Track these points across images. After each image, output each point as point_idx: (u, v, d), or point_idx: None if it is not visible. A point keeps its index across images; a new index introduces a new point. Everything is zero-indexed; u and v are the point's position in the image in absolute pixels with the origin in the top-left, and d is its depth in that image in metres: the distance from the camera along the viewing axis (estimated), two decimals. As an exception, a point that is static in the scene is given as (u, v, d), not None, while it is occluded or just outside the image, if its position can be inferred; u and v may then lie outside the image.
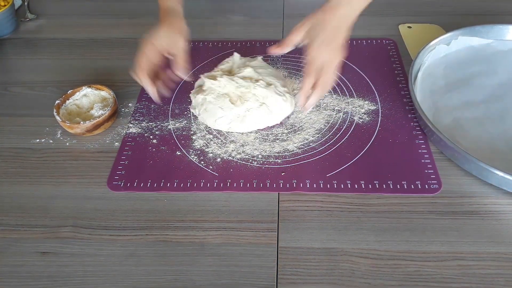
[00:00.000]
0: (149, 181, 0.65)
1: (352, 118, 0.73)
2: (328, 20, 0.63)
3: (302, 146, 0.68)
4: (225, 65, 0.76)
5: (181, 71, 0.71)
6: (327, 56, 0.63)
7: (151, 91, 0.70)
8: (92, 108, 0.73)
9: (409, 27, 0.92)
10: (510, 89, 0.75)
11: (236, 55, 0.76)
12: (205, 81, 0.72)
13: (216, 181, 0.64)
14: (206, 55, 0.87)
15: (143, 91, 0.80)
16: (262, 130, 0.71)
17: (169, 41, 0.70)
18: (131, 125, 0.74)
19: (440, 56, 0.82)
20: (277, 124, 0.72)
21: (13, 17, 0.96)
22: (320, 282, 0.53)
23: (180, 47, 0.70)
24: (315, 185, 0.63)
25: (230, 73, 0.73)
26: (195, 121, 0.74)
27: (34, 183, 0.66)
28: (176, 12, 0.73)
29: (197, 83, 0.76)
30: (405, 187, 0.62)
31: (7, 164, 0.69)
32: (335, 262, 0.55)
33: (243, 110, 0.69)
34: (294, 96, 0.74)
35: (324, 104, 0.75)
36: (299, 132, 0.71)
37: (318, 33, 0.63)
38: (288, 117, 0.73)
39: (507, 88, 0.76)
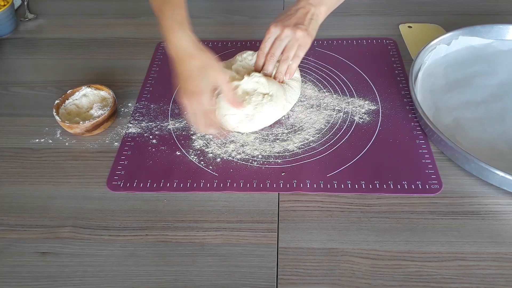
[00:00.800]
0: (149, 181, 0.64)
1: (352, 118, 0.73)
2: (294, 8, 0.68)
3: (302, 146, 0.68)
4: (243, 61, 0.75)
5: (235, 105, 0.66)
6: (286, 34, 0.66)
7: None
8: (91, 108, 0.73)
9: (410, 26, 0.92)
10: (511, 89, 0.75)
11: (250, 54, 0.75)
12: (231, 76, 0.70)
13: (216, 181, 0.64)
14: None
15: (142, 91, 0.80)
16: (262, 130, 0.71)
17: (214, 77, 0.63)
18: (130, 125, 0.74)
19: (441, 56, 0.82)
20: (277, 124, 0.72)
21: (12, 17, 0.96)
22: (320, 283, 0.53)
23: (225, 79, 0.64)
24: (315, 185, 0.63)
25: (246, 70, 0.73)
26: (195, 121, 0.73)
27: (34, 183, 0.66)
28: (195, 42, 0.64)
29: None
30: (406, 187, 0.62)
31: (7, 164, 0.69)
32: (335, 262, 0.55)
33: (252, 109, 0.67)
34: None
35: (325, 104, 0.75)
36: (299, 132, 0.71)
37: (284, 19, 0.68)
38: (288, 117, 0.73)
39: (507, 88, 0.75)
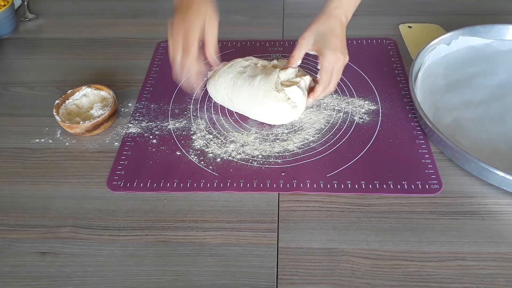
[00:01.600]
0: (149, 181, 0.64)
1: (352, 118, 0.73)
2: (333, 27, 0.67)
3: (302, 146, 0.68)
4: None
5: (212, 60, 0.69)
6: (340, 60, 0.66)
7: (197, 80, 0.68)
8: (91, 108, 0.73)
9: (410, 27, 0.92)
10: (511, 89, 0.75)
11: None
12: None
13: (216, 181, 0.64)
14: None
15: (143, 91, 0.80)
16: (262, 130, 0.71)
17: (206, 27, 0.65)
18: (130, 125, 0.74)
19: (441, 56, 0.82)
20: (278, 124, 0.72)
21: (13, 16, 0.96)
22: (320, 283, 0.53)
23: (215, 34, 0.66)
24: (315, 185, 0.63)
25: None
26: (195, 121, 0.73)
27: (34, 183, 0.66)
28: None
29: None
30: (406, 187, 0.62)
31: (7, 164, 0.69)
32: (335, 262, 0.55)
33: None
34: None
35: (325, 104, 0.75)
36: (299, 132, 0.71)
37: (329, 40, 0.66)
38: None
39: (507, 88, 0.75)
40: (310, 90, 0.71)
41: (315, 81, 0.71)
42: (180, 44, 0.64)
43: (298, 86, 0.68)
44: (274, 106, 0.68)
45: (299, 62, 0.71)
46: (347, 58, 0.67)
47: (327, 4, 0.69)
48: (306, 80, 0.71)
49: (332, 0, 0.69)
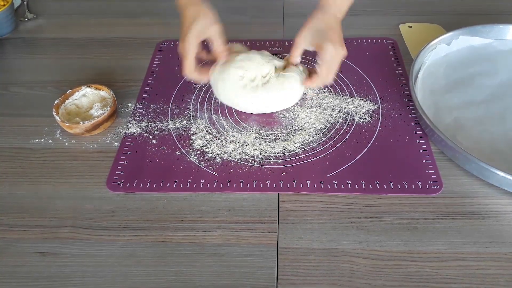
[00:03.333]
0: (149, 181, 0.64)
1: (352, 118, 0.72)
2: (330, 22, 0.68)
3: (302, 146, 0.68)
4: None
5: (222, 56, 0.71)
6: (340, 54, 0.67)
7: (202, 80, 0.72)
8: (91, 108, 0.73)
9: (410, 26, 0.92)
10: (511, 88, 0.75)
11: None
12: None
13: (216, 181, 0.64)
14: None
15: (142, 91, 0.80)
16: (262, 130, 0.71)
17: (204, 28, 0.68)
18: (130, 125, 0.73)
19: (441, 56, 0.82)
20: (277, 124, 0.72)
21: (12, 16, 0.96)
22: (320, 283, 0.53)
23: (216, 31, 0.69)
24: (315, 185, 0.63)
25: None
26: (195, 121, 0.73)
27: (34, 183, 0.66)
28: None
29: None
30: (406, 187, 0.62)
31: (6, 164, 0.69)
32: (335, 262, 0.55)
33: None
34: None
35: (325, 104, 0.75)
36: (299, 132, 0.70)
37: (328, 35, 0.67)
38: (288, 117, 0.73)
39: (507, 88, 0.75)
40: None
41: (311, 71, 0.72)
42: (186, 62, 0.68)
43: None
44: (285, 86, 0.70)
45: (298, 59, 0.72)
46: (345, 52, 0.67)
47: (322, 1, 0.70)
48: (300, 68, 0.73)
49: None
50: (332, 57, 0.66)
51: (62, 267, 0.56)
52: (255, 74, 0.71)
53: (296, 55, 0.71)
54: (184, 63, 0.68)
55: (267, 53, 0.75)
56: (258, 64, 0.71)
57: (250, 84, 0.70)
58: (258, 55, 0.72)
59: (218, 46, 0.70)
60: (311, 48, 0.70)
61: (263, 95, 0.70)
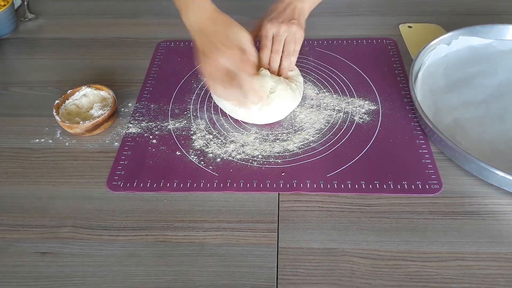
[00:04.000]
0: (149, 181, 0.64)
1: (352, 118, 0.73)
2: (280, 7, 0.72)
3: (302, 146, 0.68)
4: None
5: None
6: (279, 27, 0.69)
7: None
8: (91, 108, 0.73)
9: (410, 26, 0.92)
10: (511, 89, 0.75)
11: None
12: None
13: (216, 181, 0.64)
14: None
15: (142, 91, 0.80)
16: (262, 130, 0.71)
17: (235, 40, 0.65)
18: (130, 125, 0.74)
19: (441, 56, 0.82)
20: (277, 124, 0.72)
21: (12, 16, 0.96)
22: (320, 283, 0.53)
23: (247, 41, 0.66)
24: (315, 185, 0.63)
25: None
26: (195, 121, 0.73)
27: (34, 183, 0.66)
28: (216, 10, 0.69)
29: None
30: (406, 187, 0.62)
31: (6, 164, 0.69)
32: (335, 262, 0.55)
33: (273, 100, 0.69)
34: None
35: (325, 104, 0.75)
36: (299, 132, 0.71)
37: (272, 15, 0.71)
38: (288, 117, 0.73)
39: (507, 88, 0.75)
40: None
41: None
42: (219, 78, 0.64)
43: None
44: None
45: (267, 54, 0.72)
46: (294, 28, 0.69)
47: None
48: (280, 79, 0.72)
49: None
50: (266, 30, 0.69)
51: (63, 267, 0.56)
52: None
53: (265, 47, 0.72)
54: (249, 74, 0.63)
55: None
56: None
57: None
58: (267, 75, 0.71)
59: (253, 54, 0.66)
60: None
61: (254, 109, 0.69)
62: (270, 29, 0.71)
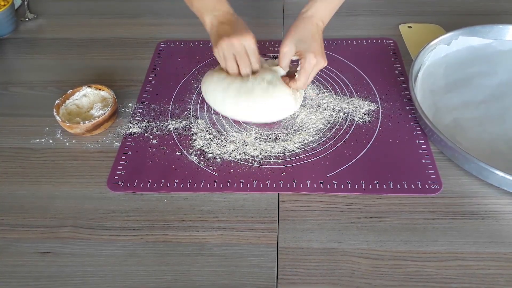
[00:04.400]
0: (149, 181, 0.65)
1: (352, 118, 0.73)
2: (312, 32, 0.69)
3: (302, 146, 0.68)
4: None
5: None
6: (320, 64, 0.68)
7: None
8: (92, 108, 0.73)
9: (410, 27, 0.92)
10: (510, 89, 0.75)
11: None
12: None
13: (216, 181, 0.64)
14: (206, 55, 0.87)
15: (143, 91, 0.80)
16: (262, 130, 0.71)
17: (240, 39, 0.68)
18: (131, 125, 0.74)
19: (441, 56, 0.82)
20: (277, 124, 0.72)
21: (12, 16, 0.96)
22: (320, 282, 0.53)
23: (252, 42, 0.68)
24: (315, 185, 0.63)
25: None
26: (195, 121, 0.74)
27: (34, 183, 0.66)
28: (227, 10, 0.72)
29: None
30: (406, 187, 0.62)
31: (7, 164, 0.69)
32: (335, 262, 0.55)
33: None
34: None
35: (324, 104, 0.75)
36: (299, 132, 0.71)
37: (310, 45, 0.67)
38: (288, 117, 0.73)
39: (507, 88, 0.75)
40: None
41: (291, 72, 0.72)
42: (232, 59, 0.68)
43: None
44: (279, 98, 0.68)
45: (286, 70, 0.71)
46: (326, 63, 0.68)
47: (304, 10, 0.70)
48: (280, 71, 0.71)
49: (308, 7, 0.70)
50: (311, 66, 0.67)
51: (63, 266, 0.56)
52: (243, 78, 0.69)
53: (285, 65, 0.70)
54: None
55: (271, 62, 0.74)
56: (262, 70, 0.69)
57: (232, 87, 0.69)
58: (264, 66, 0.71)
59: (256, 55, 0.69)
60: (294, 57, 0.69)
61: (244, 104, 0.68)
62: (313, 63, 0.67)
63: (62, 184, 0.66)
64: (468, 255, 0.55)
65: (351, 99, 0.76)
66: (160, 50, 0.89)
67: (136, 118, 0.75)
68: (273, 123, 0.72)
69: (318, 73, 0.78)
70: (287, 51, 0.68)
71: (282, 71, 0.70)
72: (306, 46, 0.67)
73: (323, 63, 0.68)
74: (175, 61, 0.86)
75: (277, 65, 0.71)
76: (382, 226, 0.58)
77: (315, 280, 0.53)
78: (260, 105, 0.68)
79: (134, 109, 0.77)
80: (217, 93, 0.70)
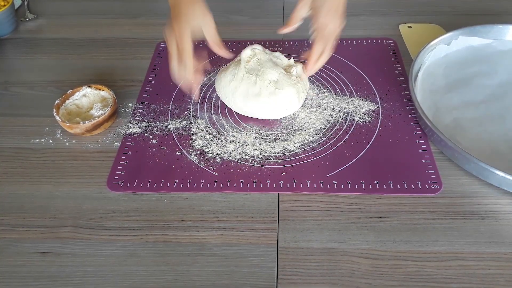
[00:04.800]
0: (149, 181, 0.65)
1: (352, 118, 0.73)
2: None
3: (302, 146, 0.68)
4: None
5: (224, 55, 0.69)
6: (333, 23, 0.64)
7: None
8: (91, 108, 0.73)
9: (410, 27, 0.92)
10: (510, 89, 0.75)
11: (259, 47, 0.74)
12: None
13: (216, 181, 0.64)
14: (206, 55, 0.87)
15: (143, 91, 0.80)
16: (262, 130, 0.71)
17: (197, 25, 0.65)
18: (131, 125, 0.74)
19: (441, 56, 0.82)
20: (277, 124, 0.72)
21: (12, 17, 0.96)
22: (320, 282, 0.53)
23: (210, 30, 0.66)
24: (315, 185, 0.63)
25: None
26: (195, 121, 0.74)
27: (34, 183, 0.66)
28: None
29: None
30: (406, 187, 0.62)
31: (7, 164, 0.69)
32: (335, 262, 0.55)
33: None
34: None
35: (324, 104, 0.75)
36: (299, 132, 0.71)
37: (324, 2, 0.64)
38: (288, 117, 0.73)
39: (507, 88, 0.75)
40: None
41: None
42: (174, 51, 0.65)
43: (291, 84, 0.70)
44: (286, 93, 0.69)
45: (297, 24, 0.68)
46: (341, 22, 0.64)
47: None
48: (298, 69, 0.72)
49: None
50: (326, 25, 0.62)
51: (63, 266, 0.56)
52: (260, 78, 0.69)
53: (296, 18, 0.66)
54: (184, 58, 0.63)
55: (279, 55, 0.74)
56: (267, 68, 0.69)
57: (240, 91, 0.70)
58: (270, 62, 0.71)
59: (218, 48, 0.67)
60: (307, 13, 0.66)
61: (251, 103, 0.69)
62: (328, 24, 0.63)
63: (62, 184, 0.66)
64: (468, 255, 0.55)
65: (351, 99, 0.76)
66: (160, 50, 0.89)
67: (136, 118, 0.75)
68: (273, 123, 0.72)
69: (318, 72, 0.79)
70: (304, 3, 0.65)
71: (298, 68, 0.71)
72: (320, 3, 0.63)
73: (338, 21, 0.62)
74: (175, 61, 0.86)
75: (286, 60, 0.72)
76: (382, 226, 0.58)
77: (315, 280, 0.53)
78: (266, 105, 0.69)
79: (134, 109, 0.77)
80: (227, 94, 0.71)
